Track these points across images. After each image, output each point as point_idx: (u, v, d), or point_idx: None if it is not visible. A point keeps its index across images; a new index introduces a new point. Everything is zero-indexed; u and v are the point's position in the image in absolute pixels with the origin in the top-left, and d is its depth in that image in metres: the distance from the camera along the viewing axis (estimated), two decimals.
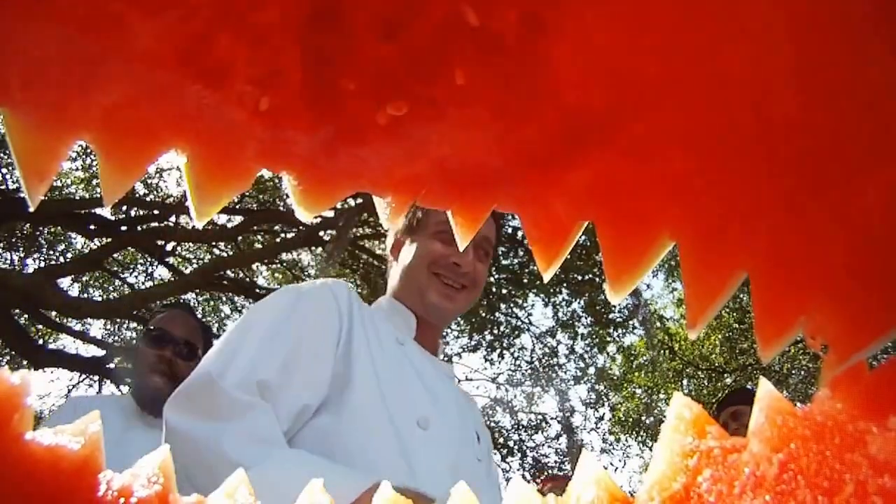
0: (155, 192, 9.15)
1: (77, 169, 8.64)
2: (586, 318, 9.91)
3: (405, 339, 1.33)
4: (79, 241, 9.15)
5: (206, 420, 0.94)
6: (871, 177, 0.26)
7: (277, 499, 0.44)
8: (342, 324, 1.17)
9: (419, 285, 1.33)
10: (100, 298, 9.75)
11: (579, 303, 9.57)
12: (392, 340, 1.28)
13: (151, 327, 2.06)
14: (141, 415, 1.94)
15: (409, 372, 1.24)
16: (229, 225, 8.28)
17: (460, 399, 1.36)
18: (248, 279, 9.51)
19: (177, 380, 1.52)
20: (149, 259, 9.36)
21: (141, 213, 8.30)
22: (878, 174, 0.26)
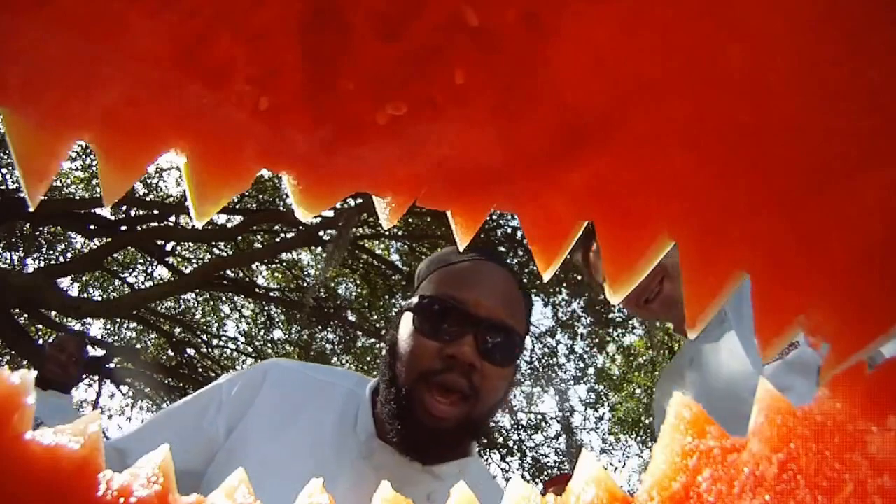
0: (155, 192, 9.15)
1: (77, 169, 8.64)
2: (586, 318, 9.91)
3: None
4: (79, 241, 9.16)
5: None
6: (871, 177, 0.26)
7: None
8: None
9: None
10: (100, 298, 9.75)
11: (579, 303, 9.57)
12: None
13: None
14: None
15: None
16: (229, 225, 8.28)
17: None
18: (247, 279, 9.51)
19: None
20: (149, 259, 9.36)
21: (141, 213, 8.30)
22: (877, 174, 0.26)
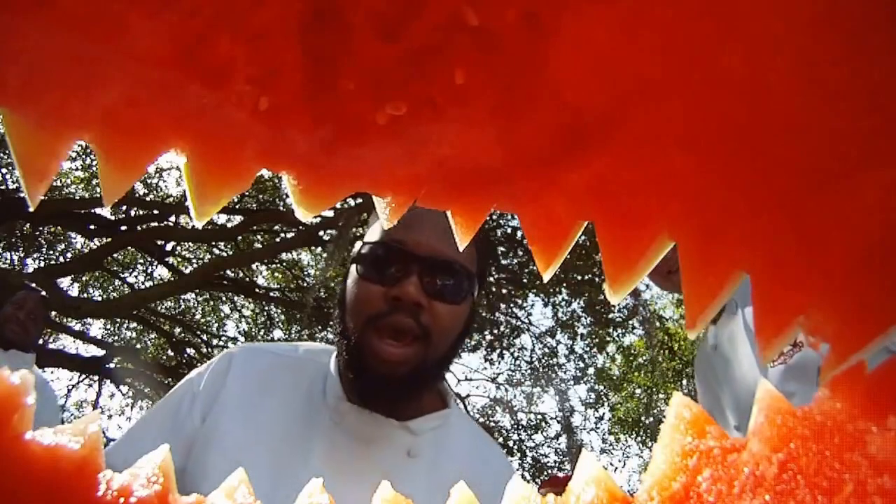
0: (155, 192, 9.16)
1: (77, 169, 8.64)
2: (586, 318, 9.91)
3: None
4: (79, 241, 9.16)
5: None
6: (871, 177, 0.26)
7: None
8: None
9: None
10: (100, 298, 9.75)
11: (579, 303, 9.57)
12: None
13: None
14: None
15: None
16: (229, 225, 8.28)
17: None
18: (247, 279, 9.51)
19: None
20: (149, 259, 9.37)
21: (141, 213, 8.30)
22: (877, 174, 0.26)
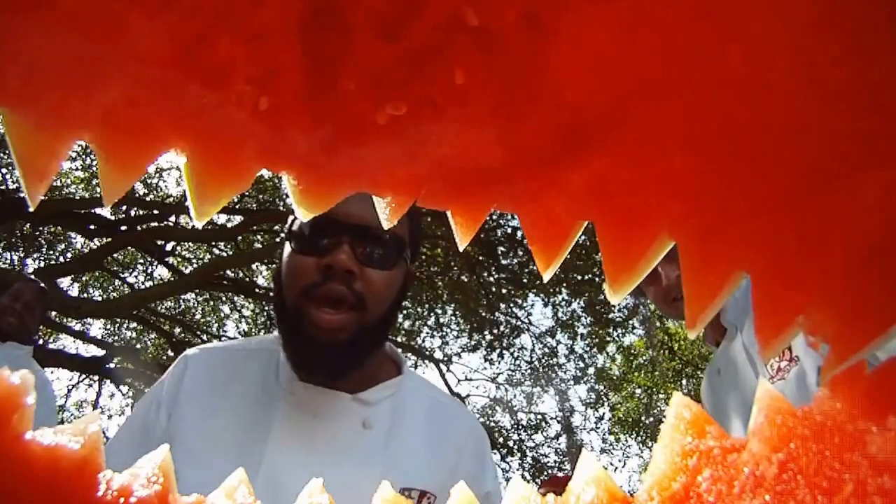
0: (155, 192, 9.16)
1: (77, 169, 8.64)
2: (586, 318, 9.91)
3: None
4: (79, 241, 9.15)
5: None
6: (871, 177, 0.26)
7: None
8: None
9: None
10: (100, 298, 9.76)
11: (579, 303, 9.57)
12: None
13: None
14: None
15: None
16: (229, 225, 8.28)
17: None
18: (248, 279, 9.51)
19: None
20: (149, 259, 9.36)
21: (141, 213, 8.30)
22: (877, 174, 0.26)
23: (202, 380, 1.03)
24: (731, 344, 1.66)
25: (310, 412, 0.98)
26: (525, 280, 8.67)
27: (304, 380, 0.98)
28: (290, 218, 0.98)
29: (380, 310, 0.97)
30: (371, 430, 0.99)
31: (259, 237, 8.96)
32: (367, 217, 0.92)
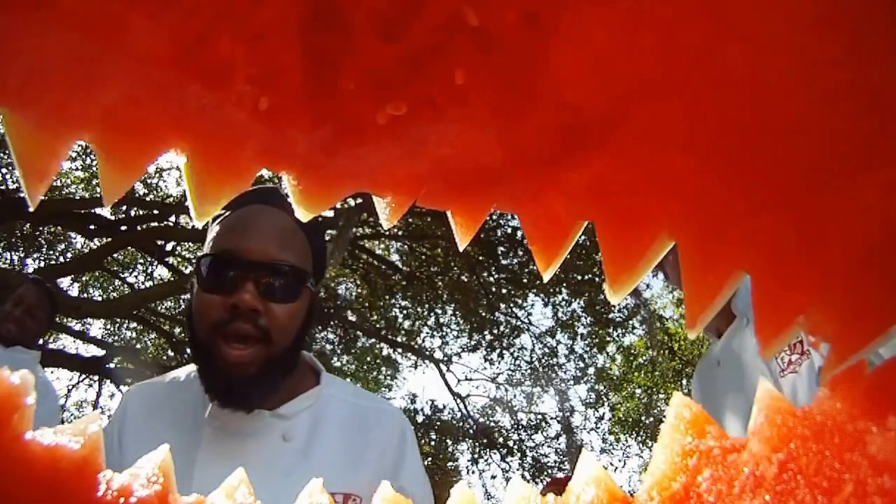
0: (155, 192, 9.15)
1: (77, 169, 8.64)
2: (586, 318, 9.91)
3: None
4: (79, 241, 9.15)
5: None
6: (871, 177, 0.26)
7: None
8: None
9: None
10: (100, 298, 9.75)
11: (579, 303, 9.57)
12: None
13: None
14: None
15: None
16: None
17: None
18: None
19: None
20: (149, 259, 9.36)
21: (141, 213, 8.30)
22: (877, 174, 0.26)
23: (139, 415, 1.09)
24: (737, 335, 1.64)
25: (233, 433, 1.04)
26: (525, 280, 8.67)
27: (222, 406, 1.03)
28: (199, 255, 1.06)
29: (286, 340, 1.02)
30: (291, 443, 1.04)
31: None
32: (269, 253, 0.99)
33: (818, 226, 0.27)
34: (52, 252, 9.11)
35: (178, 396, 1.10)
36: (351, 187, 0.33)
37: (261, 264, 0.99)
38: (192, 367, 1.17)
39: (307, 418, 1.07)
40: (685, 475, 0.26)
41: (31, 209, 0.30)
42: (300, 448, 1.04)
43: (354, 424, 1.09)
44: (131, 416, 1.09)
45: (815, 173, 0.27)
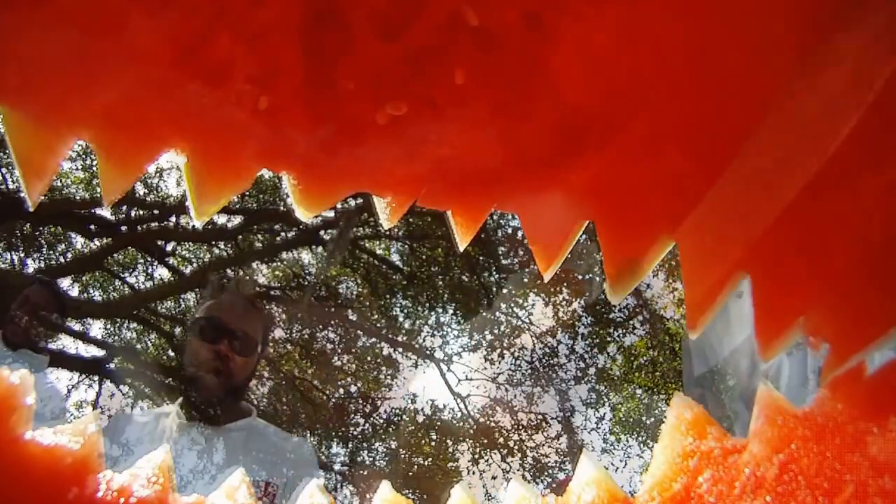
0: (155, 193, 9.15)
1: (77, 169, 8.64)
2: (586, 318, 9.90)
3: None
4: (79, 241, 9.15)
5: None
6: (871, 177, 0.26)
7: None
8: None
9: None
10: (100, 299, 9.75)
11: (579, 303, 9.56)
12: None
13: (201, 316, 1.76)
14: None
15: None
16: (229, 225, 8.28)
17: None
18: (248, 279, 9.50)
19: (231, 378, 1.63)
20: (149, 259, 9.36)
21: (141, 213, 8.30)
22: (878, 175, 0.26)
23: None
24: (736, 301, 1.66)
25: (192, 441, 1.60)
26: (525, 280, 8.67)
27: (190, 420, 1.62)
28: (195, 315, 1.75)
29: (243, 376, 1.70)
30: (232, 442, 1.65)
31: (259, 237, 8.96)
32: (238, 323, 1.68)
33: (818, 227, 0.27)
34: (52, 252, 9.11)
35: (158, 424, 1.65)
36: (351, 187, 0.33)
37: (233, 330, 1.66)
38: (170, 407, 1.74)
39: (244, 427, 1.71)
40: (686, 476, 0.26)
41: (31, 208, 0.30)
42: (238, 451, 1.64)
43: (273, 436, 1.72)
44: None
45: (816, 174, 0.27)
